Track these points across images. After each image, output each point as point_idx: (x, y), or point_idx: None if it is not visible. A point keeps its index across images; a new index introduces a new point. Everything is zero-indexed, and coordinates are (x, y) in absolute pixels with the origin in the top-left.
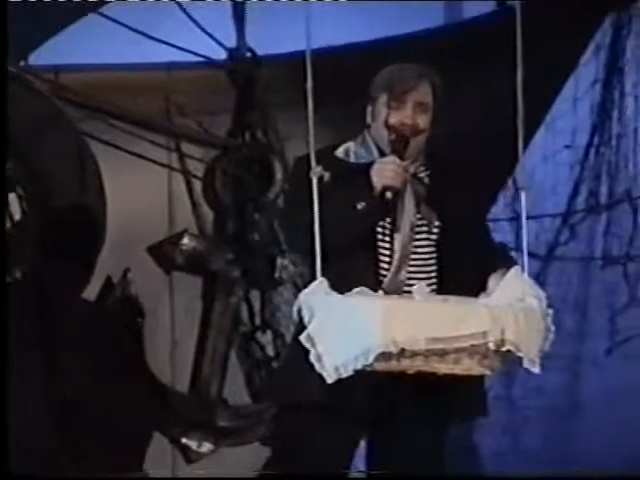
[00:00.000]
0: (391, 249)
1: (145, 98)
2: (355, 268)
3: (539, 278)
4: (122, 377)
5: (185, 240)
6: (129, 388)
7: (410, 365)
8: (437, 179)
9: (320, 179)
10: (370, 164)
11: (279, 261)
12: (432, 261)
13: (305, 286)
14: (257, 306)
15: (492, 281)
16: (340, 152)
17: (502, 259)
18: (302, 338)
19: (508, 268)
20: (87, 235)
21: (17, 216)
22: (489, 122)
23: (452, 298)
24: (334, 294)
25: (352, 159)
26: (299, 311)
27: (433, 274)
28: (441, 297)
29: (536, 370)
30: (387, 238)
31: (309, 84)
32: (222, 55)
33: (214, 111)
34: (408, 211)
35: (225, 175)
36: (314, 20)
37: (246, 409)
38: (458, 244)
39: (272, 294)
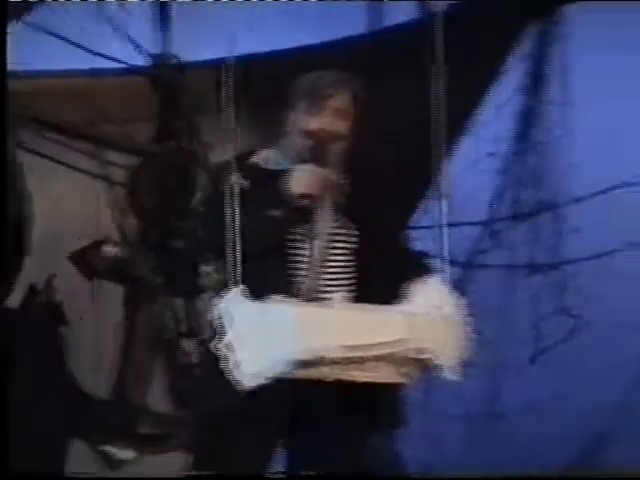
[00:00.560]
0: (309, 256)
1: (69, 105)
2: (274, 275)
3: (460, 286)
4: (43, 384)
5: (107, 247)
6: (50, 395)
7: (329, 373)
8: (357, 186)
9: (235, 186)
10: (288, 171)
11: (202, 268)
12: (350, 268)
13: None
14: (182, 313)
15: (411, 289)
16: (258, 159)
17: (421, 267)
18: (221, 345)
19: (427, 276)
20: (11, 242)
21: None
22: (410, 129)
23: (371, 306)
24: (253, 301)
25: (270, 166)
26: (218, 318)
27: (352, 281)
28: (360, 305)
29: (455, 378)
30: (305, 245)
31: (228, 91)
32: (147, 61)
33: (138, 118)
34: (326, 218)
35: (149, 182)
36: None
37: (169, 416)
38: (376, 252)
39: (196, 301)
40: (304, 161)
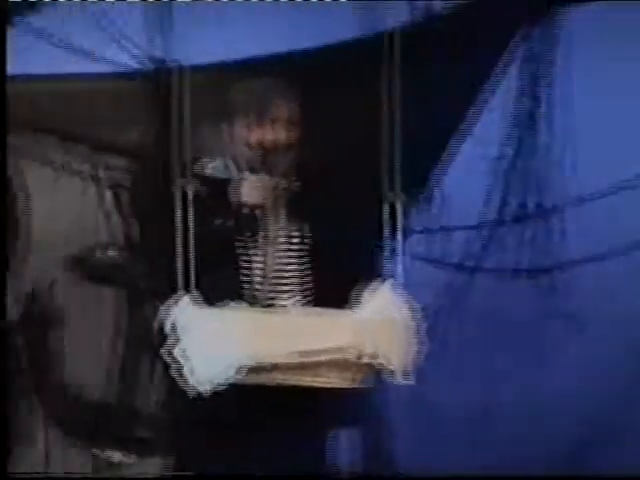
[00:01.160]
0: (263, 263)
1: (68, 109)
2: (227, 283)
3: (451, 289)
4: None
5: (104, 252)
6: (49, 398)
7: (272, 378)
8: (308, 190)
9: (185, 193)
10: (236, 181)
11: None
12: (305, 272)
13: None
14: None
15: (358, 293)
16: (205, 168)
17: (373, 270)
18: (175, 352)
19: (379, 280)
20: (11, 247)
21: None
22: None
23: (321, 311)
24: (205, 308)
25: (217, 175)
26: (172, 325)
27: (307, 286)
28: (310, 310)
29: (404, 382)
30: (259, 252)
31: (174, 100)
32: (145, 64)
33: (136, 121)
34: (278, 224)
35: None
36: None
37: (164, 420)
38: (329, 255)
39: None
40: (252, 170)
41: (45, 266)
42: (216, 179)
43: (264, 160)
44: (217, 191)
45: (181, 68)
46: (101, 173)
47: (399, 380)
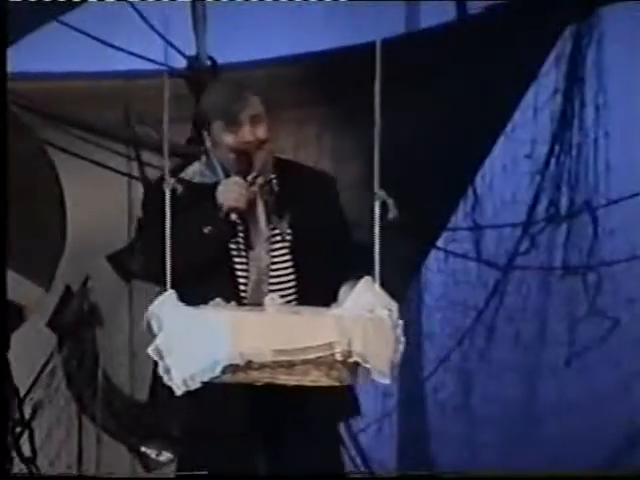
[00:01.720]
0: (249, 265)
1: (105, 106)
2: (214, 288)
3: (498, 287)
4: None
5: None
6: (86, 396)
7: (258, 377)
8: (286, 185)
9: (173, 191)
10: (215, 185)
11: None
12: (291, 270)
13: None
14: None
15: (343, 291)
16: (185, 173)
17: (356, 268)
18: (150, 350)
19: (360, 277)
20: (47, 244)
21: None
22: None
23: (304, 309)
24: (183, 306)
25: (197, 180)
26: (148, 324)
27: (293, 284)
28: (293, 308)
29: (386, 382)
30: (243, 254)
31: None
32: (182, 63)
33: (174, 119)
34: (260, 225)
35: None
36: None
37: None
38: (312, 252)
39: None
40: (233, 172)
41: (84, 261)
42: (196, 185)
43: (243, 161)
44: (197, 198)
45: (215, 66)
46: (137, 171)
47: (377, 379)
